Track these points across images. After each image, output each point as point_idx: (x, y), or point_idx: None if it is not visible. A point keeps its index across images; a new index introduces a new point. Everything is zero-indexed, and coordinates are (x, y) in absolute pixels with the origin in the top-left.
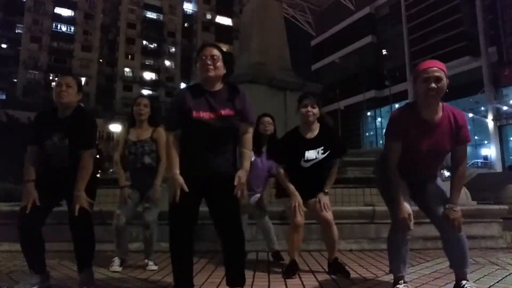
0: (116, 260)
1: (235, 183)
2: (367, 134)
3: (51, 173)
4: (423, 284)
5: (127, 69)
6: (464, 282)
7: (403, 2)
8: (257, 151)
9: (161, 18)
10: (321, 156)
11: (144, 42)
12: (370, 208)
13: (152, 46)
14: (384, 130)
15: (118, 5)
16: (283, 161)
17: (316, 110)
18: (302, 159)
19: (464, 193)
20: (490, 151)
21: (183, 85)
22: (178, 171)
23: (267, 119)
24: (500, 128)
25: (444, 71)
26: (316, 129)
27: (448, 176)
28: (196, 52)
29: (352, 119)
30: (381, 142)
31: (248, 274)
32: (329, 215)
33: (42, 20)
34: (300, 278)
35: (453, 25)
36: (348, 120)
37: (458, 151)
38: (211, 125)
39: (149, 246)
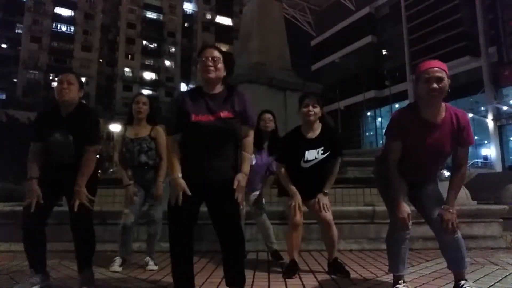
0: (117, 260)
1: (234, 186)
2: (367, 134)
3: (53, 170)
4: (423, 284)
5: (127, 69)
6: (462, 282)
7: (403, 2)
8: (257, 147)
9: (161, 18)
10: (321, 157)
11: (144, 42)
12: (370, 208)
13: (152, 46)
14: (384, 130)
15: (118, 5)
16: (284, 161)
17: (317, 110)
18: (302, 159)
19: (464, 193)
20: (490, 151)
21: (183, 85)
22: (180, 175)
23: (268, 115)
24: (500, 128)
25: (445, 71)
26: (317, 129)
27: (448, 176)
28: (197, 54)
29: (352, 119)
30: (381, 142)
31: (248, 274)
32: (328, 215)
33: (42, 20)
34: (300, 278)
35: (453, 25)
36: (348, 120)
37: (460, 153)
38: (210, 128)
39: (153, 243)
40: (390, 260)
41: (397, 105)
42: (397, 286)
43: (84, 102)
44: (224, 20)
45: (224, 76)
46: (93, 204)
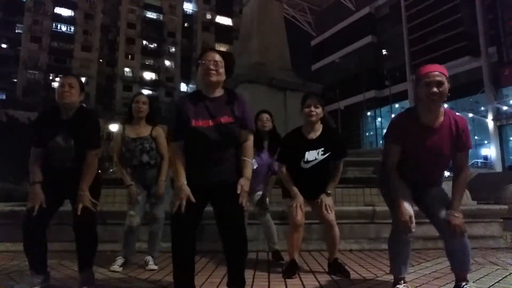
0: (119, 260)
1: (238, 191)
2: (367, 134)
3: (54, 173)
4: (423, 284)
5: (127, 69)
6: (463, 283)
7: (403, 2)
8: (257, 147)
9: (161, 18)
10: (321, 157)
11: (144, 42)
12: (370, 208)
13: (152, 46)
14: (384, 130)
15: (118, 5)
16: (285, 161)
17: (319, 110)
18: (302, 160)
19: (464, 193)
20: (490, 151)
21: (183, 85)
22: (185, 182)
23: (265, 115)
24: (500, 128)
25: (445, 75)
26: (318, 129)
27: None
28: (198, 57)
29: (352, 119)
30: (381, 142)
31: (248, 274)
32: (331, 215)
33: (42, 20)
34: (300, 278)
35: (453, 25)
36: (348, 120)
37: (459, 157)
38: (211, 133)
39: (155, 242)
40: (392, 262)
41: (397, 105)
42: (398, 286)
43: (85, 105)
44: (224, 20)
45: (224, 80)
46: (97, 207)
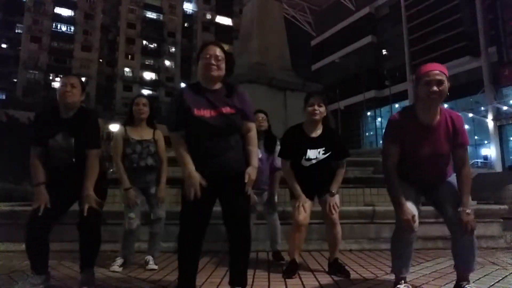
0: (119, 260)
1: (246, 180)
2: (367, 134)
3: (55, 174)
4: (423, 284)
5: (127, 69)
6: (464, 283)
7: (403, 2)
8: None
9: (161, 18)
10: (321, 157)
11: (144, 42)
12: (370, 208)
13: (152, 46)
14: (384, 130)
15: (118, 5)
16: (288, 157)
17: (322, 109)
18: (304, 157)
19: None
20: (490, 151)
21: (183, 85)
22: (193, 168)
23: (261, 115)
24: (500, 128)
25: (445, 74)
26: (320, 129)
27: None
28: (199, 50)
29: (352, 119)
30: (381, 142)
31: (248, 274)
32: (334, 214)
33: (42, 20)
34: (300, 278)
35: (453, 25)
36: (348, 120)
37: (458, 154)
38: (213, 123)
39: (156, 242)
40: (393, 261)
41: (397, 105)
42: (398, 286)
43: (85, 105)
44: (224, 20)
45: (224, 75)
46: (103, 206)
